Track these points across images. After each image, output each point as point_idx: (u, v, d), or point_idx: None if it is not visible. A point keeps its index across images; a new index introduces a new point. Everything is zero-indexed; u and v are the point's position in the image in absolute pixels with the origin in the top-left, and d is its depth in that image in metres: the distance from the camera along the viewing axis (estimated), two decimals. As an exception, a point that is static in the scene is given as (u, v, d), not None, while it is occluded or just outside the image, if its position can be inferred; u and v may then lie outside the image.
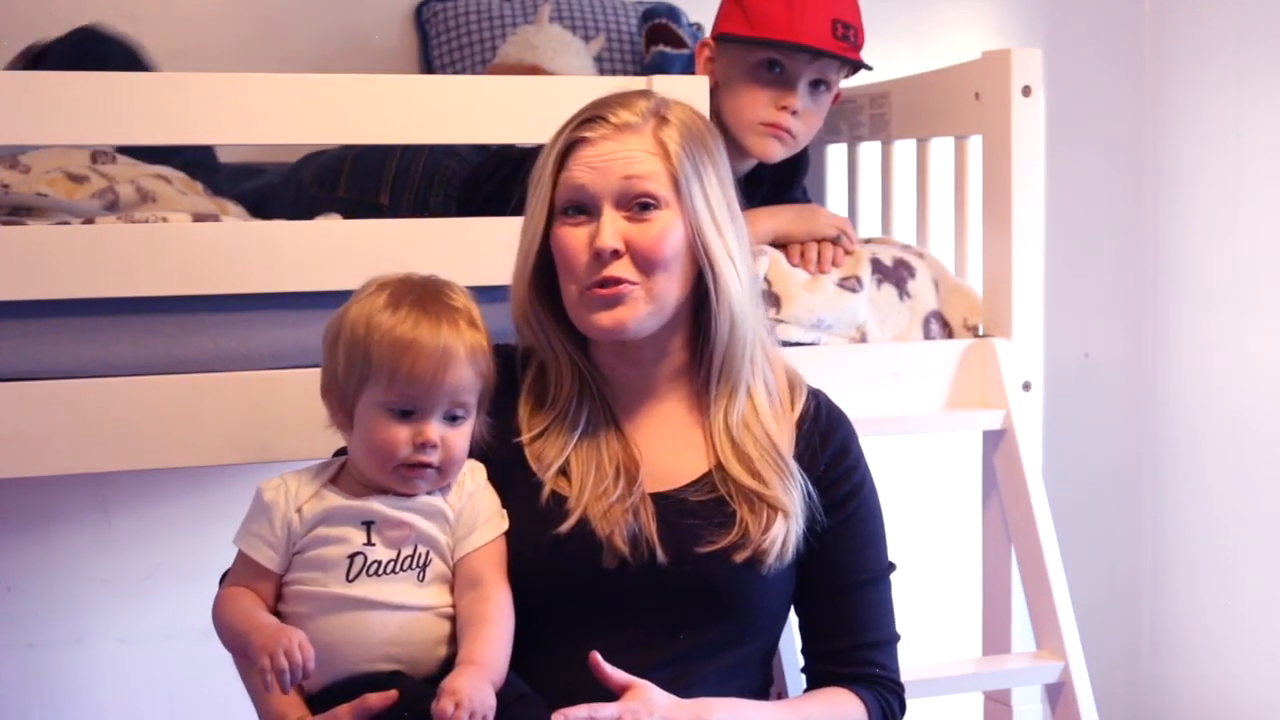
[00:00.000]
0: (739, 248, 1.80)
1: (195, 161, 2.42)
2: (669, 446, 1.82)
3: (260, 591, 1.69)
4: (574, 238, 1.76)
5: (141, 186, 2.22)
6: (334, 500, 1.69)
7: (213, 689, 2.77)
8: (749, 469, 1.78)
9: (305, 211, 2.29)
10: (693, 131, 1.79)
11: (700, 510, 1.76)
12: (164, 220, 2.05)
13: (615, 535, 1.72)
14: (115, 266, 1.97)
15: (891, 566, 1.87)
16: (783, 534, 1.76)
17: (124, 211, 2.17)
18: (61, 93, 1.97)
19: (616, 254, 1.73)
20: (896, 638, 1.86)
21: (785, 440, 1.82)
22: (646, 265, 1.74)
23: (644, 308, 1.75)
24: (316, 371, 2.04)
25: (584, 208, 1.76)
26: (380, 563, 1.67)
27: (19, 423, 1.95)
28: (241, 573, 1.71)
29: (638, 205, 1.75)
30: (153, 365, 2.02)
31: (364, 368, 1.67)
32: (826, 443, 1.85)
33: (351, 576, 1.66)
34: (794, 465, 1.80)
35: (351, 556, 1.66)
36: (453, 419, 1.69)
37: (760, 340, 1.84)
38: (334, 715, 1.62)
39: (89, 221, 2.04)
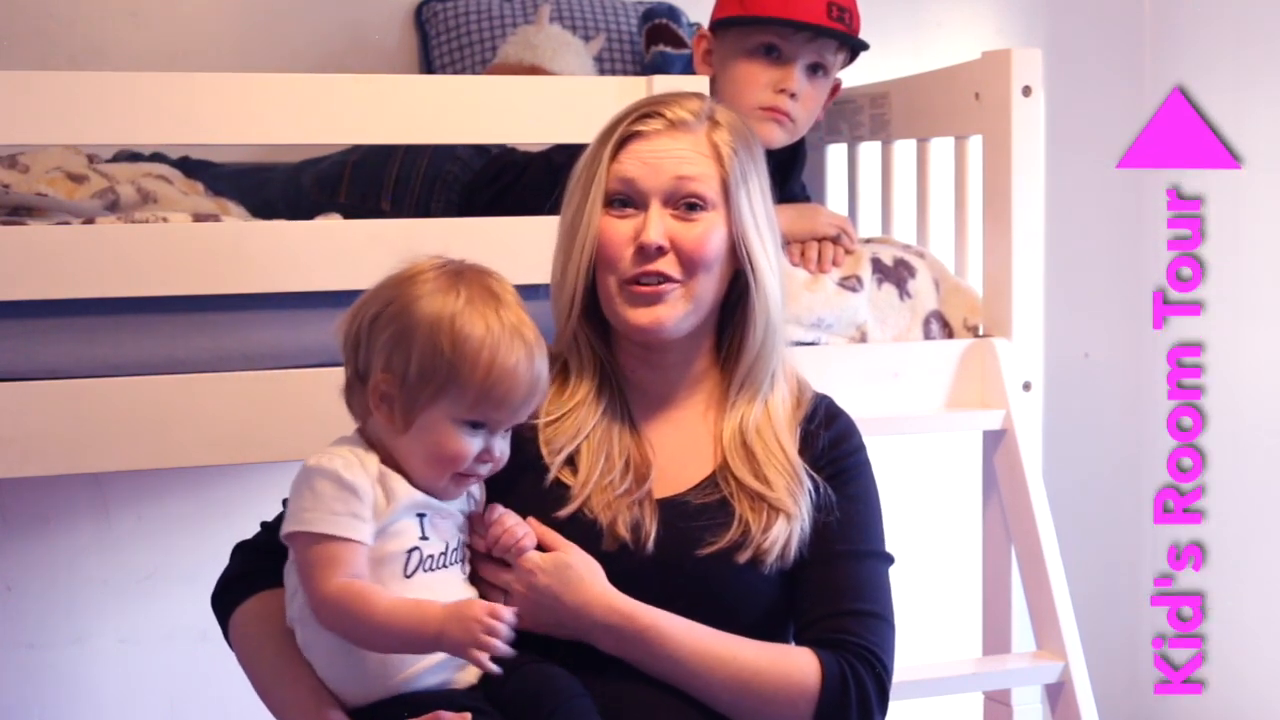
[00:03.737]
0: (777, 256, 1.81)
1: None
2: (678, 452, 1.82)
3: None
4: (617, 230, 1.76)
5: (142, 186, 2.22)
6: (405, 488, 1.62)
7: (213, 689, 2.77)
8: (754, 472, 1.78)
9: (305, 217, 2.28)
10: (742, 137, 1.80)
11: (702, 513, 1.76)
12: (164, 220, 2.05)
13: (618, 522, 1.72)
14: (115, 266, 1.97)
15: (888, 556, 1.84)
16: (784, 535, 1.75)
17: (124, 212, 2.17)
18: (61, 93, 1.97)
19: (662, 250, 1.74)
20: (878, 614, 1.78)
21: (793, 443, 1.82)
22: (690, 265, 1.75)
23: (683, 307, 1.76)
24: (316, 371, 2.04)
25: (630, 200, 1.76)
26: (433, 556, 1.63)
27: (19, 423, 1.95)
28: (340, 564, 1.55)
29: (685, 205, 1.76)
30: (153, 365, 2.02)
31: (447, 382, 1.59)
32: (827, 429, 1.84)
33: (409, 572, 1.61)
34: (803, 471, 1.79)
35: (410, 551, 1.61)
36: (508, 430, 1.67)
37: (782, 349, 1.85)
38: None
39: (89, 221, 2.04)
